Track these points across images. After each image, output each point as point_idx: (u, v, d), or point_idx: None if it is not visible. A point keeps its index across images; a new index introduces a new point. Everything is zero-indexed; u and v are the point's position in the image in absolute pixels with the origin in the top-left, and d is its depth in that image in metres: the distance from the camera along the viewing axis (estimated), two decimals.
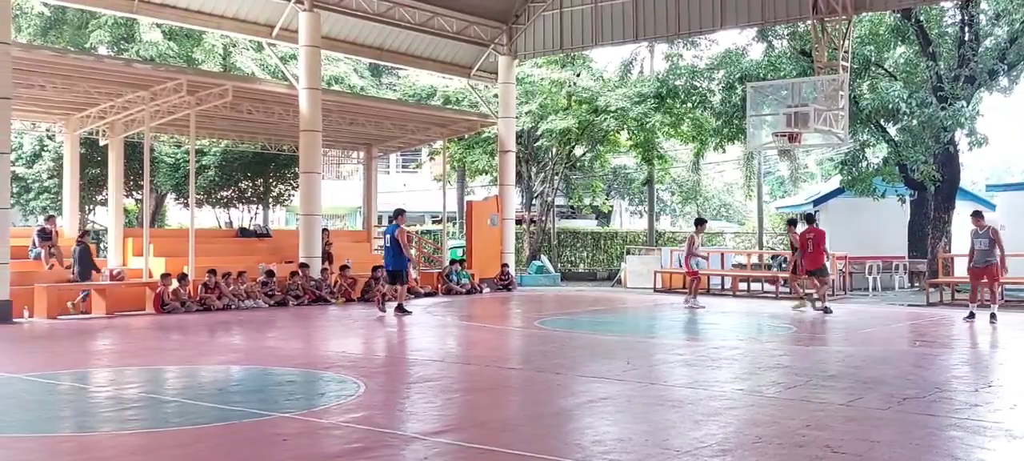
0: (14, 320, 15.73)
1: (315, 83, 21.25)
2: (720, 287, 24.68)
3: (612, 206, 45.37)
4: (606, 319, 17.36)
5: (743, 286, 24.06)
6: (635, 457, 6.15)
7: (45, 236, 19.20)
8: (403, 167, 50.90)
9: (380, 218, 29.59)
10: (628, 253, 30.72)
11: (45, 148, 27.06)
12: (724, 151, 32.05)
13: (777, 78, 22.83)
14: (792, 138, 19.64)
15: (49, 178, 27.05)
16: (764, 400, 8.26)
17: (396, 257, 17.33)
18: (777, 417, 7.53)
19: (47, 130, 25.31)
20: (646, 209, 38.99)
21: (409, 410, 8.05)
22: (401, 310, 17.04)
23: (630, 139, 32.58)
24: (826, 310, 17.04)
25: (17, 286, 16.27)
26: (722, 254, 27.62)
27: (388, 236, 17.54)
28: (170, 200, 32.59)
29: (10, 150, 17.22)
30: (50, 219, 20.32)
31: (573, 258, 36.06)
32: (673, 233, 39.41)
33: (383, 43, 25.09)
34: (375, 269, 21.74)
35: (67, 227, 21.93)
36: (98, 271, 19.18)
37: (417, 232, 34.47)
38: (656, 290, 25.06)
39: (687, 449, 6.32)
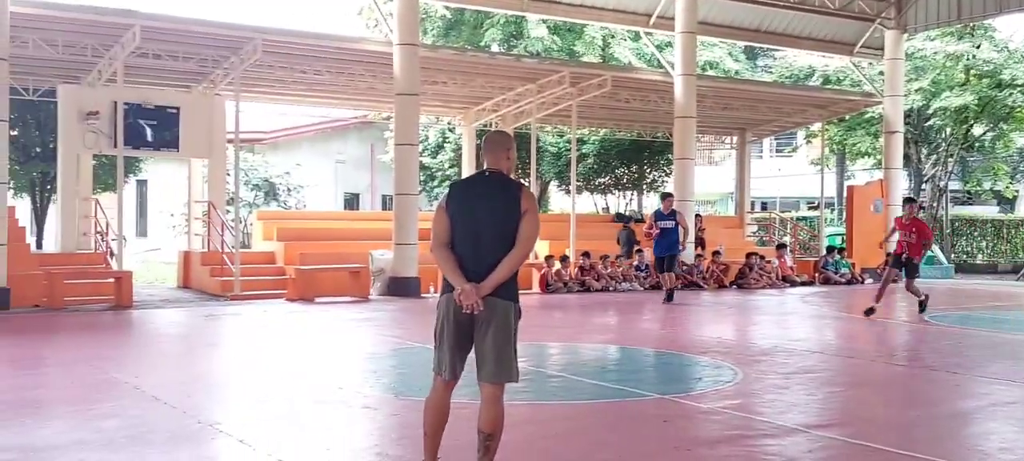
0: (422, 295, 17.51)
1: (690, 69, 21.30)
2: None
3: (1017, 191, 40.61)
4: (1008, 317, 15.60)
5: None
6: None
7: None
8: (777, 151, 49.35)
9: (753, 204, 29.00)
10: None
11: (447, 140, 29.79)
12: None
13: None
14: None
15: (450, 167, 29.75)
16: None
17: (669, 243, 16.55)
18: None
19: (449, 123, 27.85)
20: None
21: (789, 401, 7.83)
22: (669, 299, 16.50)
23: None
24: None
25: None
26: None
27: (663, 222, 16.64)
28: (553, 187, 34.37)
29: (419, 142, 19.21)
30: None
31: (969, 248, 32.80)
32: None
33: (760, 25, 24.52)
34: (749, 255, 21.38)
35: None
36: None
37: (791, 219, 33.32)
38: None
39: None
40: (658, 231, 16.39)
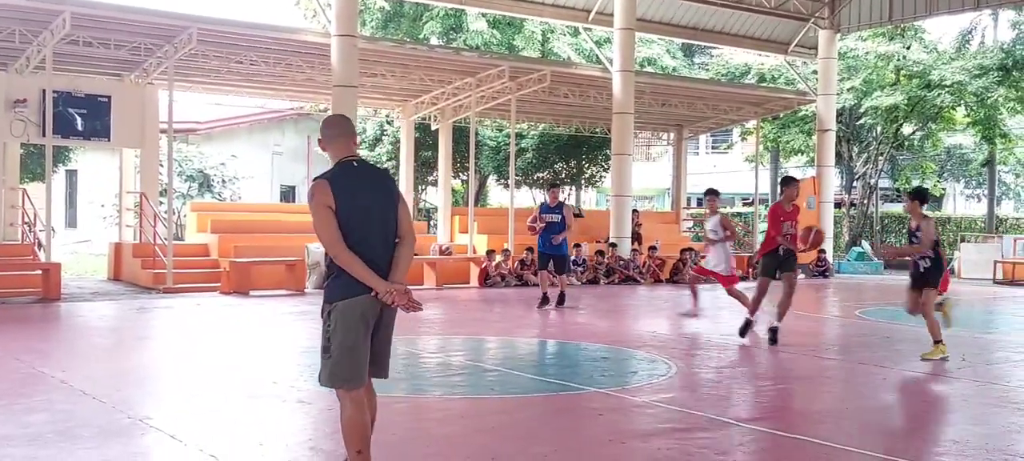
0: None
1: (628, 65, 21.49)
2: None
3: (945, 190, 41.81)
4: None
5: None
6: None
7: None
8: (713, 148, 50.07)
9: (689, 200, 29.36)
10: (963, 241, 28.18)
11: (384, 133, 29.61)
12: None
13: None
14: None
15: (388, 160, 29.56)
16: None
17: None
18: None
19: (387, 116, 27.67)
20: (985, 193, 35.53)
21: (722, 394, 7.97)
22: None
23: (968, 116, 29.80)
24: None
25: None
26: None
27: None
28: (492, 181, 34.40)
29: (357, 134, 19.08)
30: None
31: (899, 245, 33.67)
32: (1018, 219, 35.57)
33: (697, 22, 24.84)
34: (683, 251, 21.66)
35: (408, 202, 23.88)
36: None
37: (728, 214, 33.82)
38: (996, 281, 22.81)
39: None
40: (543, 224, 14.55)
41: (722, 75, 32.51)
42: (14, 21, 16.10)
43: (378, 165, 29.87)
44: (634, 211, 23.23)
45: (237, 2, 55.81)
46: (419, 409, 7.16)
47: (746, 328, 10.90)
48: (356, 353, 4.50)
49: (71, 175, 31.67)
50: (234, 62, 19.12)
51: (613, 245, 21.18)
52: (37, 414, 6.50)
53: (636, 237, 22.36)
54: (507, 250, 19.98)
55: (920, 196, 9.93)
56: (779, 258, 10.66)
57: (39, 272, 15.69)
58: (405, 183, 24.65)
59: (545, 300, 14.66)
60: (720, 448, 5.90)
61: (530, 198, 34.97)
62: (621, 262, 20.87)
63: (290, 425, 6.54)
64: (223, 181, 29.17)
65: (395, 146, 27.53)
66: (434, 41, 29.19)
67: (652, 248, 21.95)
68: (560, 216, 14.51)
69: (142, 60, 18.15)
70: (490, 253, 19.65)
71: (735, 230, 13.77)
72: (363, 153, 28.72)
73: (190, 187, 27.90)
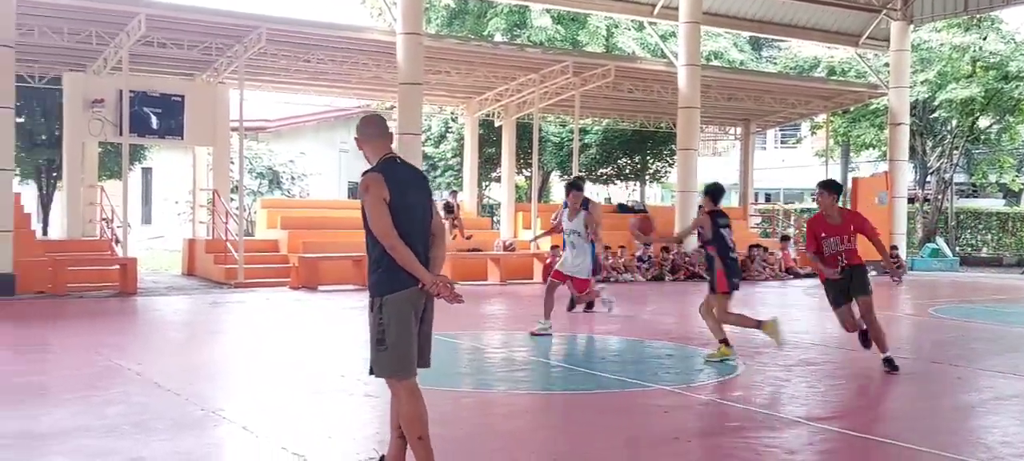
0: None
1: (694, 59, 21.26)
2: None
3: (1023, 184, 40.53)
4: (1012, 310, 15.59)
5: None
6: None
7: (449, 209, 21.19)
8: (782, 142, 49.25)
9: (756, 196, 28.94)
10: None
11: (449, 129, 29.78)
12: None
13: None
14: None
15: (453, 157, 29.76)
16: None
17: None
18: None
19: (451, 113, 27.84)
20: None
21: (790, 393, 7.85)
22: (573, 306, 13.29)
23: None
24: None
25: None
26: None
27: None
28: (555, 177, 34.37)
29: (421, 131, 19.25)
30: (453, 194, 22.44)
31: (974, 241, 32.77)
32: None
33: (765, 15, 24.45)
34: (751, 247, 21.39)
35: (467, 201, 24.04)
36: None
37: (795, 211, 33.27)
38: None
39: None
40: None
41: (791, 68, 31.97)
42: (91, 23, 16.58)
43: (442, 162, 30.17)
44: (700, 207, 22.97)
45: (304, 2, 56.65)
46: (485, 404, 7.19)
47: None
48: (409, 343, 4.60)
49: (146, 173, 32.52)
50: (302, 61, 19.42)
51: (678, 242, 20.98)
52: (114, 406, 6.70)
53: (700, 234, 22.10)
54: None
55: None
56: (844, 283, 8.66)
57: (116, 267, 16.15)
58: (469, 179, 24.76)
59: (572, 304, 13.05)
60: (789, 447, 5.81)
61: (594, 194, 34.86)
62: (686, 259, 20.67)
63: (358, 418, 6.63)
64: (292, 178, 29.67)
65: (459, 143, 27.68)
66: (498, 38, 29.24)
67: None
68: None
69: (213, 60, 18.54)
70: (554, 249, 19.59)
71: (599, 232, 11.47)
72: (428, 150, 28.97)
73: (260, 184, 28.44)
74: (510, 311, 14.21)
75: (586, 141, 29.48)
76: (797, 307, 15.37)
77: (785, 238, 24.21)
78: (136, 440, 5.71)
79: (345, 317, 13.03)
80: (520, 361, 9.36)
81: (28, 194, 23.23)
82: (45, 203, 24.29)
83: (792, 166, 43.98)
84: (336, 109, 33.88)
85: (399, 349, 4.57)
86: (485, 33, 29.41)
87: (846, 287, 8.70)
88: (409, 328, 4.58)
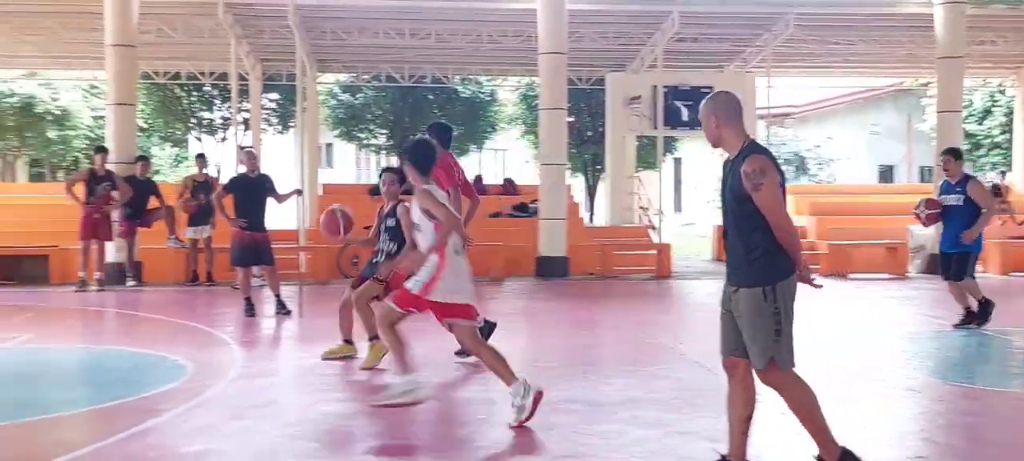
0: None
1: None
2: None
3: None
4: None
5: None
6: None
7: (996, 192, 19.17)
8: None
9: None
10: None
11: (996, 103, 26.95)
12: None
13: None
14: None
15: (1001, 133, 26.88)
16: None
17: None
18: None
19: (1000, 84, 25.19)
20: None
21: None
22: None
23: None
24: None
25: None
26: None
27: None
28: None
29: (961, 107, 17.72)
30: (1002, 174, 20.27)
31: None
32: None
33: None
34: None
35: (1019, 181, 21.57)
36: None
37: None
38: None
39: None
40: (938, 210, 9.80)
41: None
42: (630, 25, 18.03)
43: (988, 140, 27.40)
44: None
45: None
46: None
47: None
48: (789, 331, 4.55)
49: (677, 163, 34.36)
50: (830, 44, 19.05)
51: None
52: (660, 380, 7.29)
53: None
54: None
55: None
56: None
57: (653, 252, 17.37)
58: (1021, 158, 22.17)
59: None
60: None
61: None
62: None
63: (898, 413, 6.41)
64: (818, 163, 29.21)
65: (1008, 118, 24.88)
66: None
67: None
68: (961, 197, 9.50)
69: (741, 50, 19.02)
70: None
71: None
72: (969, 127, 26.48)
73: (786, 170, 28.43)
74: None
75: None
76: None
77: None
78: (683, 415, 6.16)
79: (879, 307, 12.58)
80: None
81: (577, 186, 25.95)
82: (590, 193, 26.94)
83: None
84: (865, 90, 32.56)
85: (791, 337, 4.55)
86: None
87: None
88: (793, 315, 4.53)
